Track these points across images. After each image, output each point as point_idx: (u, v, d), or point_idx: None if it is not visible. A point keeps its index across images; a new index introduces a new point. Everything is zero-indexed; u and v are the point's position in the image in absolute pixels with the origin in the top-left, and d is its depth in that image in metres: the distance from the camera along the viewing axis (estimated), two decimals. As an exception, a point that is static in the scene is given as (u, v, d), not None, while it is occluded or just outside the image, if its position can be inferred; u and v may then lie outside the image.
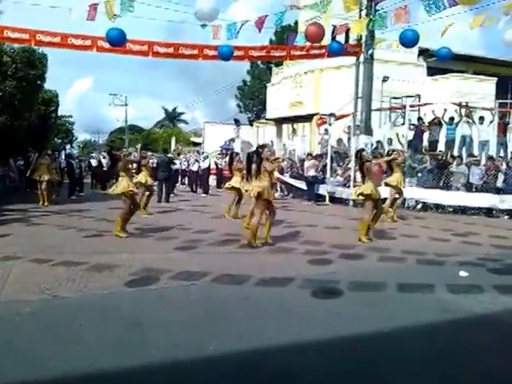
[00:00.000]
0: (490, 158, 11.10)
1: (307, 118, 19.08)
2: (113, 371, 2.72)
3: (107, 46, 8.69)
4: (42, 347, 3.00)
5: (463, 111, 12.72)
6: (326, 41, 10.52)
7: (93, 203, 11.78)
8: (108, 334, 3.22)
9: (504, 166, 10.48)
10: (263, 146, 6.54)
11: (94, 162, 18.75)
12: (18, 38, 9.54)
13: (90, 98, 79.39)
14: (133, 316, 3.59)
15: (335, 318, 3.63)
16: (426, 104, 13.85)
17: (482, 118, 12.62)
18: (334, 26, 11.15)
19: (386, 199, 8.69)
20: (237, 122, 23.26)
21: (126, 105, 38.09)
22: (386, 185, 9.10)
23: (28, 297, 4.01)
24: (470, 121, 12.60)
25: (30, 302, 3.87)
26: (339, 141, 15.24)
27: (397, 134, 13.56)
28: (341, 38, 12.32)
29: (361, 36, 12.75)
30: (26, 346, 3.04)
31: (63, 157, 17.00)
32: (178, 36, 73.87)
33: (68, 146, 35.07)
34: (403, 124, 13.40)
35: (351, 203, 11.75)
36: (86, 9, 7.84)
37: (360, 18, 11.50)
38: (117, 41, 7.83)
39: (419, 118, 12.90)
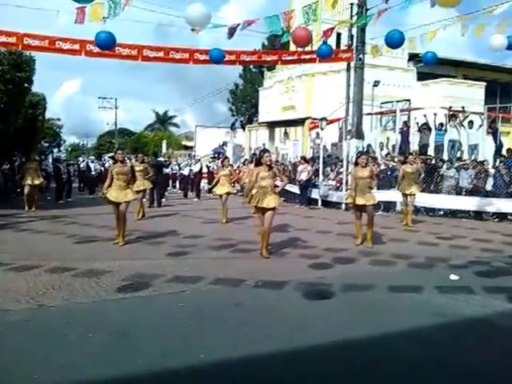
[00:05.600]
0: (478, 162, 11.20)
1: (299, 122, 19.16)
2: (99, 382, 2.64)
3: (96, 50, 8.61)
4: (26, 358, 2.91)
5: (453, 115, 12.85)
6: (316, 45, 10.56)
7: (81, 208, 11.61)
8: (95, 344, 3.14)
9: (493, 170, 10.58)
10: (265, 151, 6.43)
11: (82, 166, 18.51)
12: (5, 42, 9.39)
13: (78, 101, 78.68)
14: (121, 324, 3.51)
15: (327, 323, 3.60)
16: (416, 108, 13.98)
17: (471, 122, 12.75)
18: (324, 31, 11.21)
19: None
20: (232, 126, 23.30)
21: (115, 107, 37.87)
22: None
23: (12, 305, 3.89)
24: (458, 126, 12.73)
25: (15, 311, 3.76)
26: (334, 145, 15.28)
27: (387, 138, 13.67)
28: (332, 43, 12.37)
29: (351, 41, 12.87)
30: (10, 356, 2.94)
31: (50, 161, 16.75)
32: (165, 37, 73.74)
33: (56, 150, 34.63)
34: (394, 128, 13.51)
35: (343, 207, 11.76)
36: (74, 11, 7.72)
37: (352, 24, 11.61)
38: (106, 44, 7.73)
39: (404, 122, 13.00)
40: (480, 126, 12.81)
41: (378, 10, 9.29)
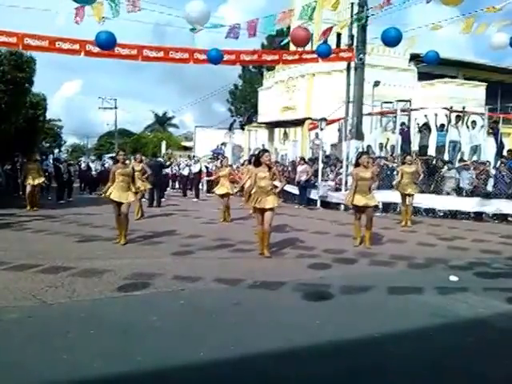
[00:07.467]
0: (479, 162, 11.20)
1: (299, 123, 19.15)
2: (100, 379, 2.65)
3: (96, 50, 8.62)
4: (27, 354, 2.92)
5: (453, 116, 12.85)
6: (316, 46, 10.54)
7: (81, 208, 11.63)
8: (96, 341, 3.15)
9: (494, 171, 10.58)
10: (264, 151, 6.38)
11: (83, 166, 18.59)
12: (6, 42, 9.41)
13: (79, 101, 78.78)
14: (121, 322, 3.52)
15: (326, 324, 3.60)
16: (416, 109, 13.96)
17: (474, 122, 12.75)
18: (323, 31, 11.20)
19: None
20: (231, 127, 23.33)
21: (115, 108, 37.93)
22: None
23: (14, 303, 3.91)
24: (459, 126, 12.73)
25: (16, 309, 3.78)
26: (334, 145, 15.26)
27: (387, 139, 13.66)
28: (332, 43, 12.38)
29: (352, 41, 12.87)
30: (12, 353, 2.95)
31: (50, 161, 16.79)
32: (164, 36, 73.82)
33: (56, 150, 34.68)
34: (394, 129, 13.48)
35: (342, 207, 11.77)
36: (74, 11, 7.74)
37: (352, 22, 11.62)
38: (107, 44, 7.73)
39: (402, 123, 13.00)
40: (481, 126, 12.81)
41: (378, 5, 9.30)
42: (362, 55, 11.87)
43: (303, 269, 5.34)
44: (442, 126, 12.72)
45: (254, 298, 4.22)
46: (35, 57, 11.73)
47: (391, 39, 7.28)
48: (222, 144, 22.05)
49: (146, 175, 10.16)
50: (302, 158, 14.00)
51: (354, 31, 12.66)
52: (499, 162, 10.92)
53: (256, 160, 6.22)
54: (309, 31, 7.79)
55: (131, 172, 6.98)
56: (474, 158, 12.34)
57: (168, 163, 15.87)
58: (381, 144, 14.44)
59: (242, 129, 26.73)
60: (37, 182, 11.30)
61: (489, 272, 5.34)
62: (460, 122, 12.75)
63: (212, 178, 10.21)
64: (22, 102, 11.93)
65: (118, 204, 6.69)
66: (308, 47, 10.19)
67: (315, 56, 10.98)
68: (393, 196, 10.41)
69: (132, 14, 7.65)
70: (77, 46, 9.54)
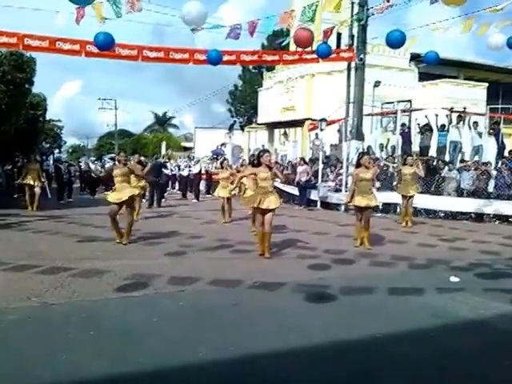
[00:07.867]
0: (481, 163, 11.17)
1: (299, 123, 19.14)
2: (100, 380, 2.64)
3: (96, 50, 8.60)
4: (28, 355, 2.92)
5: (454, 116, 12.83)
6: (316, 45, 10.54)
7: (81, 209, 11.64)
8: (96, 342, 3.15)
9: (495, 172, 10.56)
10: (264, 151, 6.34)
11: (83, 167, 18.63)
12: (6, 43, 9.40)
13: (79, 102, 78.97)
14: (122, 323, 3.52)
15: (326, 325, 3.59)
16: (417, 109, 13.96)
17: (475, 123, 12.73)
18: (324, 31, 11.20)
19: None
20: (231, 128, 23.33)
21: (115, 108, 37.97)
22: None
23: (14, 303, 3.91)
24: (460, 127, 12.71)
25: (17, 309, 3.78)
26: (334, 146, 15.24)
27: (388, 140, 13.65)
28: (332, 43, 12.38)
29: (352, 41, 12.86)
30: (12, 353, 2.95)
31: (51, 161, 16.84)
32: (164, 37, 73.81)
33: (56, 151, 34.69)
34: (395, 129, 13.48)
35: (342, 208, 11.76)
36: (74, 12, 7.75)
37: (352, 22, 11.61)
38: (105, 45, 7.73)
39: (403, 124, 12.99)
40: (479, 131, 12.78)
41: (379, 6, 9.31)
42: (362, 55, 11.87)
43: (303, 269, 5.34)
44: (443, 126, 12.71)
45: (254, 299, 4.21)
46: (35, 57, 11.73)
47: (395, 41, 7.30)
48: (222, 145, 22.03)
49: (142, 174, 10.08)
50: (302, 159, 13.99)
51: (355, 31, 12.66)
52: (500, 163, 10.91)
53: (255, 160, 6.19)
54: (312, 32, 7.79)
55: (128, 171, 6.99)
56: (476, 158, 12.32)
57: (163, 160, 15.89)
58: (381, 144, 14.43)
59: (242, 129, 26.74)
60: (37, 183, 11.32)
61: (490, 273, 5.33)
62: (461, 123, 12.74)
63: (214, 171, 10.03)
64: (22, 102, 11.93)
65: (119, 204, 6.71)
66: (309, 48, 10.17)
67: (315, 56, 10.96)
68: (393, 197, 10.40)
69: (131, 14, 7.64)
70: (77, 47, 9.53)
